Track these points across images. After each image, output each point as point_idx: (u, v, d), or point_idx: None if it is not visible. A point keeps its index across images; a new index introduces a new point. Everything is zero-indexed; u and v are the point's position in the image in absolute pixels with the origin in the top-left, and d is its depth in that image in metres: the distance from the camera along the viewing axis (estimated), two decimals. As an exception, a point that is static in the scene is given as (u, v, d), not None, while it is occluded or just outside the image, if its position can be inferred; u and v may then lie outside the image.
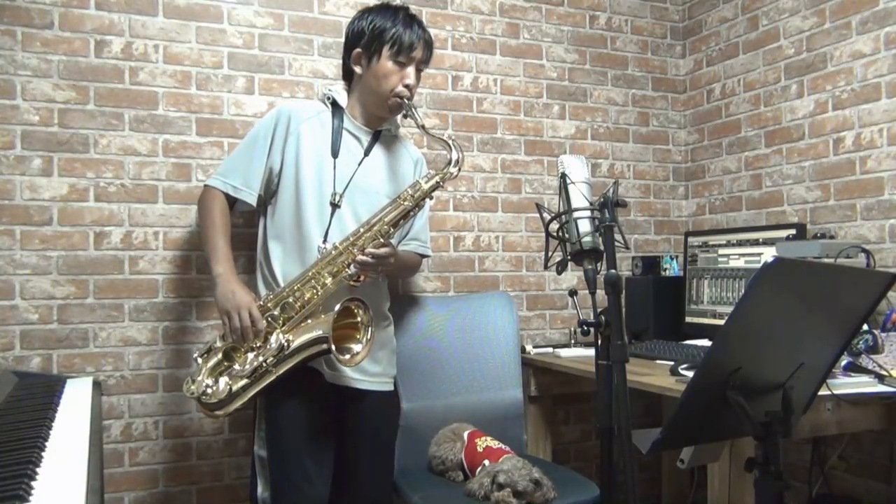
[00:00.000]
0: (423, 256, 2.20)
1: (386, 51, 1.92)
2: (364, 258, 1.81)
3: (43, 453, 1.13)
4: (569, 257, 1.46)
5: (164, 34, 2.23)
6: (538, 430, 2.59)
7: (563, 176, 1.47)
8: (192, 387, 1.82)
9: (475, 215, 2.65)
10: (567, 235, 1.46)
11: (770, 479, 1.25)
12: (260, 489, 1.93)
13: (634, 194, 2.92)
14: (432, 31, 2.56)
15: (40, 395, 1.62)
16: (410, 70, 1.94)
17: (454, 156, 1.89)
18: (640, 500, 1.30)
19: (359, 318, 1.86)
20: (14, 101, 2.08)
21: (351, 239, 1.84)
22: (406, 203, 1.87)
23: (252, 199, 1.94)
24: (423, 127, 1.90)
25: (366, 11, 2.00)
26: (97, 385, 1.84)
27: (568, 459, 2.76)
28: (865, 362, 1.83)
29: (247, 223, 2.23)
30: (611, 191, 1.42)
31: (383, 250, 1.83)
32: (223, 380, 1.81)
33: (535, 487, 1.86)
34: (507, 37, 2.71)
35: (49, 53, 2.11)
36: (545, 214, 1.52)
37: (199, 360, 1.86)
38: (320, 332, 1.77)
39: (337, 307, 1.78)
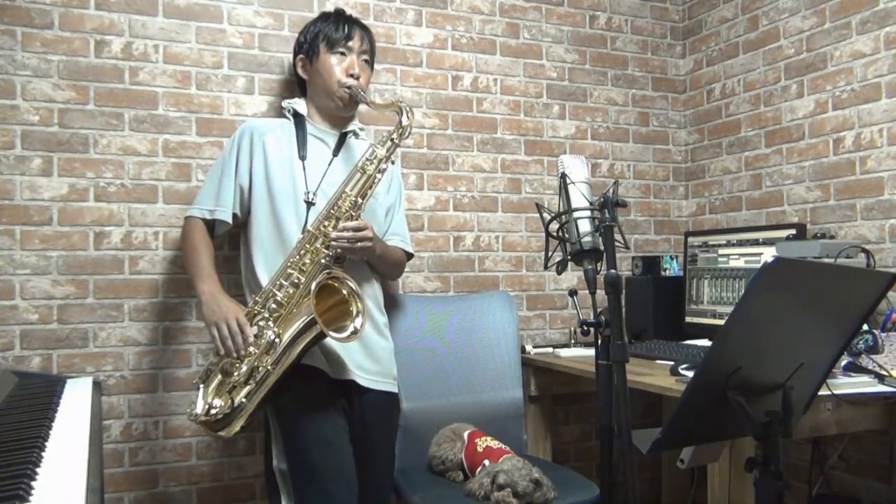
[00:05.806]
0: (408, 255, 2.17)
1: (323, 47, 2.01)
2: (338, 233, 1.81)
3: (43, 453, 1.13)
4: (569, 257, 1.46)
5: (164, 34, 2.23)
6: (538, 430, 2.59)
7: (563, 176, 1.47)
8: (197, 410, 1.75)
9: (475, 215, 2.65)
10: (567, 235, 1.46)
11: (770, 479, 1.25)
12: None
13: (634, 194, 2.92)
14: (432, 31, 2.59)
15: (40, 395, 1.61)
16: (352, 59, 2.01)
17: (404, 119, 1.90)
18: (640, 500, 1.30)
19: (344, 292, 1.82)
20: (14, 101, 2.08)
21: (322, 220, 1.84)
22: (368, 169, 1.87)
23: (227, 216, 1.95)
24: (371, 102, 1.99)
25: (304, 27, 2.11)
26: (97, 385, 1.83)
27: (568, 459, 2.76)
28: (865, 362, 1.83)
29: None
30: (611, 191, 1.42)
31: (353, 223, 1.83)
32: (225, 396, 1.74)
33: (535, 487, 1.86)
34: (507, 37, 2.70)
35: (49, 53, 2.11)
36: (545, 214, 1.52)
37: (201, 385, 1.79)
38: (305, 316, 1.74)
39: (312, 286, 1.75)
